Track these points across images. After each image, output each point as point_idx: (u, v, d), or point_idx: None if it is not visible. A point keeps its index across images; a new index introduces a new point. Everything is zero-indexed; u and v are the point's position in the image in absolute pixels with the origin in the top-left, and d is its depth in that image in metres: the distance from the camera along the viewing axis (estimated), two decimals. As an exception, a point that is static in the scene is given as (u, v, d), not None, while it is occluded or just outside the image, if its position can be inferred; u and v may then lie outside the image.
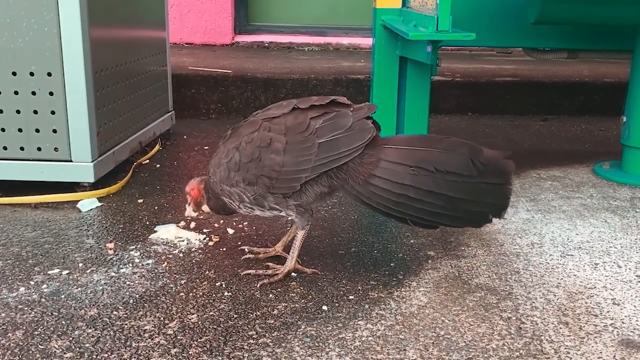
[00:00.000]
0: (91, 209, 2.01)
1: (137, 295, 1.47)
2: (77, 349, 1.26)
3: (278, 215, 1.56)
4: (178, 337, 1.31)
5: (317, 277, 1.58)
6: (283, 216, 1.58)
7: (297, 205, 1.50)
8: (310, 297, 1.49)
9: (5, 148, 2.05)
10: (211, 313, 1.40)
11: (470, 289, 1.54)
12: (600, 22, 2.37)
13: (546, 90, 3.64)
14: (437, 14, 1.82)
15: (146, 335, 1.32)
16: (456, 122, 3.44)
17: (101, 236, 1.81)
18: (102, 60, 2.12)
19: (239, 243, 1.78)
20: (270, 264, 1.62)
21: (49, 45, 1.96)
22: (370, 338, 1.32)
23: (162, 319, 1.38)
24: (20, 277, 1.56)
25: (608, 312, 1.44)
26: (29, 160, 2.06)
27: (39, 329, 1.33)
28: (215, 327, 1.35)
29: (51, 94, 2.01)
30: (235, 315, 1.40)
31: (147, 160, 2.55)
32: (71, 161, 2.07)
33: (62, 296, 1.47)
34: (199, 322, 1.37)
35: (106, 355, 1.24)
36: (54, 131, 2.04)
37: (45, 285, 1.52)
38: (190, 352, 1.26)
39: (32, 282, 1.53)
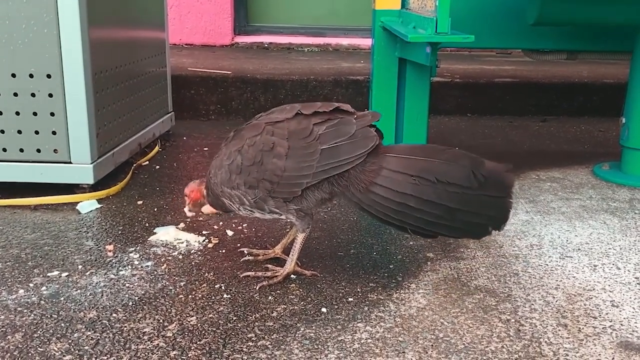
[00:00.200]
0: (90, 211, 2.01)
1: (137, 298, 1.48)
2: (77, 351, 1.26)
3: (278, 218, 1.56)
4: (177, 340, 1.31)
5: (316, 279, 1.58)
6: (283, 219, 1.58)
7: (297, 210, 1.50)
8: (310, 299, 1.49)
9: (4, 150, 2.06)
10: (210, 315, 1.41)
11: (469, 291, 1.54)
12: (600, 23, 2.37)
13: (545, 91, 3.64)
14: (436, 16, 1.82)
15: (145, 337, 1.32)
16: (455, 123, 3.44)
17: (100, 238, 1.81)
18: (101, 61, 2.12)
19: (238, 245, 1.78)
20: (269, 266, 1.62)
21: (49, 46, 1.96)
22: (369, 340, 1.32)
23: (161, 321, 1.38)
24: (19, 279, 1.56)
25: (607, 314, 1.44)
26: (28, 161, 2.07)
27: (38, 332, 1.33)
28: (214, 329, 1.35)
29: (50, 95, 2.01)
30: (234, 318, 1.40)
31: (147, 162, 2.55)
32: (70, 163, 2.07)
33: (62, 298, 1.47)
34: (198, 325, 1.37)
35: (105, 357, 1.24)
36: (54, 133, 2.04)
37: (44, 288, 1.52)
38: (189, 355, 1.26)
39: (31, 284, 1.53)
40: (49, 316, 1.39)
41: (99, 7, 2.08)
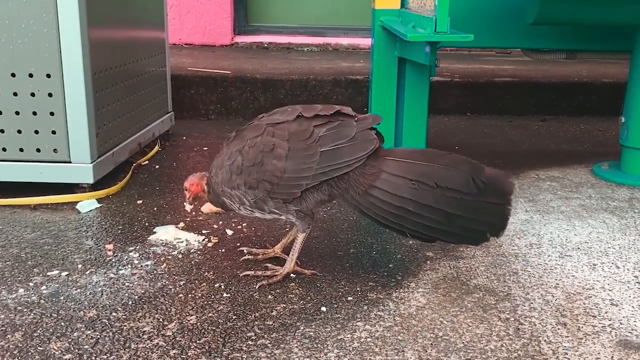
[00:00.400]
0: (90, 210, 2.01)
1: (136, 297, 1.48)
2: (76, 350, 1.26)
3: (278, 218, 1.56)
4: (177, 339, 1.31)
5: (316, 278, 1.59)
6: (283, 219, 1.58)
7: (297, 211, 1.50)
8: (309, 298, 1.49)
9: (4, 149, 2.06)
10: (210, 314, 1.41)
11: (468, 290, 1.54)
12: (599, 23, 2.38)
13: (545, 90, 3.64)
14: (436, 15, 1.83)
15: (145, 336, 1.32)
16: (455, 123, 3.44)
17: (100, 237, 1.81)
18: (101, 61, 2.12)
19: (238, 244, 1.78)
20: (269, 265, 1.62)
21: (48, 46, 1.97)
22: (368, 339, 1.32)
23: (161, 320, 1.38)
24: (19, 278, 1.56)
25: (606, 312, 1.44)
26: (28, 161, 2.07)
27: (38, 331, 1.33)
28: (214, 328, 1.35)
29: (50, 95, 2.01)
30: (234, 317, 1.40)
31: (147, 161, 2.55)
32: (70, 162, 2.07)
33: (61, 297, 1.47)
34: (198, 324, 1.37)
35: (105, 356, 1.25)
36: (53, 132, 2.04)
37: (44, 287, 1.52)
38: (189, 354, 1.26)
39: (31, 284, 1.53)
40: (48, 315, 1.39)
41: (98, 6, 2.08)
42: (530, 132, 3.24)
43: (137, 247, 1.75)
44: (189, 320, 1.38)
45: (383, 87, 2.41)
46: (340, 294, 1.51)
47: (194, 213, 1.98)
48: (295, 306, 1.45)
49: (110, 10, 2.22)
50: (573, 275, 1.62)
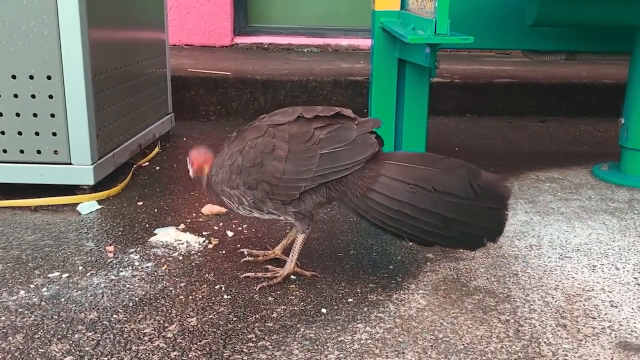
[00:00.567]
0: (91, 212, 2.01)
1: (137, 299, 1.48)
2: (77, 352, 1.27)
3: (277, 219, 1.57)
4: (178, 341, 1.31)
5: (316, 279, 1.59)
6: (282, 220, 1.59)
7: (295, 212, 1.51)
8: (309, 299, 1.49)
9: (5, 151, 2.06)
10: (211, 316, 1.41)
11: (468, 292, 1.54)
12: (599, 24, 2.38)
13: (545, 91, 3.64)
14: (436, 17, 1.83)
15: (146, 338, 1.32)
16: (455, 124, 3.44)
17: (101, 239, 1.81)
18: (101, 62, 2.12)
19: (239, 246, 1.78)
20: (269, 266, 1.62)
21: (49, 48, 1.97)
22: (369, 341, 1.32)
23: (161, 322, 1.38)
24: (20, 280, 1.56)
25: (606, 314, 1.44)
26: (28, 163, 2.07)
27: (39, 333, 1.33)
28: (214, 330, 1.36)
29: (51, 97, 2.01)
30: (234, 318, 1.40)
31: (147, 163, 2.55)
32: (71, 164, 2.07)
33: (62, 299, 1.47)
34: (199, 325, 1.37)
35: (106, 358, 1.25)
36: (54, 134, 2.04)
37: (45, 289, 1.52)
38: (189, 356, 1.26)
39: (32, 286, 1.54)
40: (49, 317, 1.39)
41: (98, 8, 2.09)
42: (530, 133, 3.25)
43: (138, 248, 1.75)
44: (189, 322, 1.38)
45: (383, 89, 2.42)
46: (340, 295, 1.51)
47: (194, 214, 1.99)
48: (295, 308, 1.45)
49: (110, 12, 2.22)
50: (573, 277, 1.62)
